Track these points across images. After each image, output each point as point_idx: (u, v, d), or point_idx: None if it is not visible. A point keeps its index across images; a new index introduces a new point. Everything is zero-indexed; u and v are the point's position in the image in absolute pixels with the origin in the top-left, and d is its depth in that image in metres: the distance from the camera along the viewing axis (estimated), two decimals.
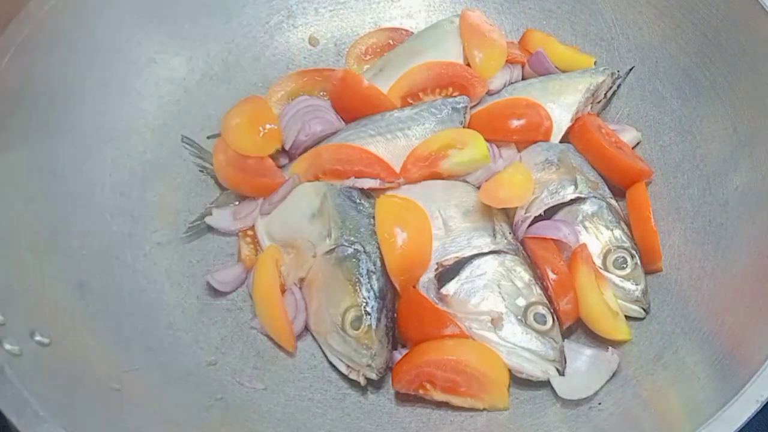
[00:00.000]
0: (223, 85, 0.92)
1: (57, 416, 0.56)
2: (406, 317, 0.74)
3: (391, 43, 0.95)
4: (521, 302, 0.73)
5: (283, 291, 0.78)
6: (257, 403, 0.73)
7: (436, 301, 0.74)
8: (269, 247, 0.80)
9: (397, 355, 0.73)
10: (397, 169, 0.82)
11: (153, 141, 0.86)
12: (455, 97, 0.86)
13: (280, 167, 0.86)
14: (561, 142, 0.86)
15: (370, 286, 0.73)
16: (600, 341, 0.75)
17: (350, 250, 0.75)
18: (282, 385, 0.75)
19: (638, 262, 0.77)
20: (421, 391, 0.71)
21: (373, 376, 0.71)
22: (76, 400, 0.61)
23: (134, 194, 0.83)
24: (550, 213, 0.80)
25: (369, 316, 0.72)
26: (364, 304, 0.72)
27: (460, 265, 0.75)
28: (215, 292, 0.80)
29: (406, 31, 0.97)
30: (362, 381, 0.72)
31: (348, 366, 0.73)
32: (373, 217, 0.78)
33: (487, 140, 0.81)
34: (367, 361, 0.71)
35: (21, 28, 0.74)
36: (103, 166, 0.81)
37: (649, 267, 0.78)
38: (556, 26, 0.95)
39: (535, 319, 0.72)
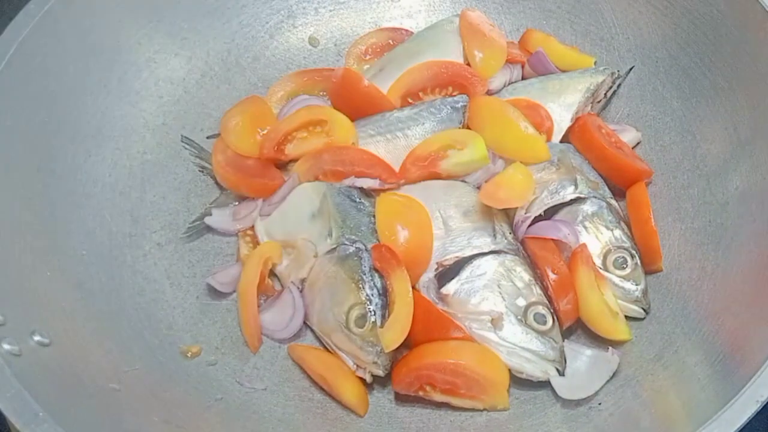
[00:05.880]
0: (223, 85, 0.92)
1: (57, 416, 0.56)
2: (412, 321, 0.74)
3: (391, 43, 0.95)
4: (521, 302, 0.73)
5: (270, 290, 0.79)
6: (257, 403, 0.73)
7: (436, 301, 0.74)
8: (264, 243, 0.81)
9: (398, 355, 0.73)
10: (397, 169, 0.82)
11: (153, 141, 0.86)
12: (454, 96, 0.86)
13: (280, 168, 0.86)
14: (561, 142, 0.86)
15: (374, 283, 0.73)
16: (600, 341, 0.75)
17: (352, 249, 0.75)
18: (282, 385, 0.75)
19: (638, 262, 0.77)
20: (421, 393, 0.72)
21: (380, 372, 0.72)
22: (76, 400, 0.61)
23: (134, 194, 0.83)
24: (550, 213, 0.80)
25: (373, 314, 0.72)
26: (368, 301, 0.72)
27: (460, 265, 0.75)
28: (215, 293, 0.80)
29: (406, 31, 0.97)
30: (368, 378, 0.72)
31: (355, 363, 0.73)
32: (374, 216, 0.78)
33: None
34: (373, 358, 0.71)
35: (21, 28, 0.74)
36: (103, 166, 0.81)
37: (649, 267, 0.78)
38: (556, 26, 0.95)
39: (535, 319, 0.72)
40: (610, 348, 0.73)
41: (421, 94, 0.88)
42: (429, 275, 0.76)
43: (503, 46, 0.89)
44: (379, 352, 0.71)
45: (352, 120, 0.85)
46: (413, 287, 0.73)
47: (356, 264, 0.74)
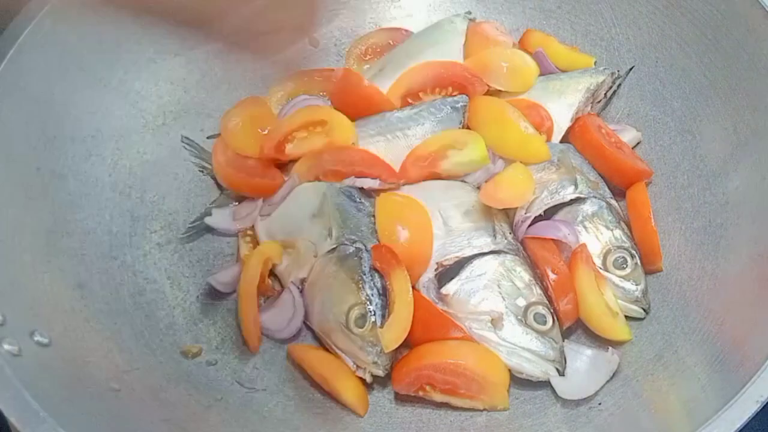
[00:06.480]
0: (223, 85, 0.92)
1: (57, 416, 0.56)
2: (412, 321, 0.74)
3: (391, 43, 0.95)
4: (521, 302, 0.73)
5: (270, 291, 0.79)
6: (257, 404, 0.73)
7: (436, 301, 0.74)
8: (264, 243, 0.81)
9: (398, 355, 0.73)
10: (397, 169, 0.82)
11: (153, 141, 0.86)
12: (454, 96, 0.86)
13: (280, 168, 0.86)
14: (561, 142, 0.86)
15: (373, 283, 0.73)
16: (600, 341, 0.75)
17: (352, 249, 0.75)
18: (282, 385, 0.75)
19: (638, 262, 0.77)
20: (420, 393, 0.72)
21: (380, 372, 0.72)
22: (76, 400, 0.61)
23: (134, 194, 0.83)
24: (550, 213, 0.80)
25: (373, 314, 0.72)
26: (368, 301, 0.72)
27: (460, 265, 0.75)
28: (215, 293, 0.80)
29: (406, 31, 0.97)
30: (368, 378, 0.72)
31: (354, 363, 0.73)
32: (374, 216, 0.78)
33: None
34: (373, 358, 0.71)
35: (21, 28, 0.74)
36: (103, 166, 0.81)
37: (649, 267, 0.78)
38: (556, 26, 0.95)
39: (535, 319, 0.72)
40: (610, 348, 0.73)
41: (421, 94, 0.88)
42: (429, 275, 0.76)
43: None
44: (379, 352, 0.71)
45: (352, 120, 0.85)
46: (413, 287, 0.73)
47: (356, 264, 0.74)
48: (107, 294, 0.74)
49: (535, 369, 0.71)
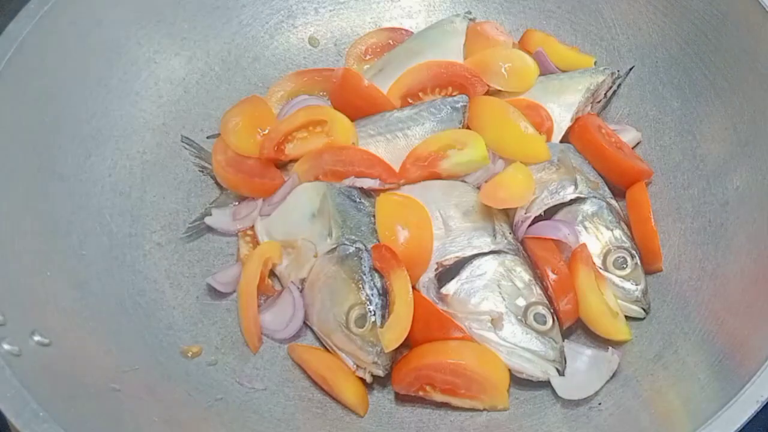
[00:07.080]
0: (223, 85, 0.92)
1: (57, 416, 0.56)
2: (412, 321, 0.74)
3: (391, 43, 0.95)
4: (521, 302, 0.73)
5: (270, 291, 0.79)
6: (257, 403, 0.73)
7: (436, 301, 0.74)
8: (264, 243, 0.81)
9: (398, 355, 0.73)
10: (397, 169, 0.82)
11: (153, 141, 0.86)
12: (454, 96, 0.86)
13: (280, 168, 0.86)
14: (561, 142, 0.86)
15: (373, 283, 0.73)
16: (600, 341, 0.75)
17: (352, 249, 0.75)
18: (282, 385, 0.75)
19: (638, 262, 0.77)
20: (421, 393, 0.72)
21: (380, 372, 0.72)
22: (76, 400, 0.61)
23: (134, 194, 0.83)
24: (550, 213, 0.80)
25: (373, 314, 0.72)
26: (368, 301, 0.72)
27: (460, 265, 0.75)
28: (215, 293, 0.80)
29: (406, 31, 0.97)
30: (368, 378, 0.72)
31: (355, 363, 0.73)
32: (374, 216, 0.78)
33: None
34: (373, 358, 0.71)
35: (21, 28, 0.74)
36: (103, 166, 0.81)
37: (649, 267, 0.78)
38: (556, 26, 0.95)
39: (535, 319, 0.72)
40: (610, 348, 0.73)
41: (421, 94, 0.88)
42: (429, 275, 0.76)
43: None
44: (379, 352, 0.71)
45: (352, 120, 0.85)
46: (413, 287, 0.73)
47: (356, 264, 0.74)
48: (107, 294, 0.74)
49: (535, 369, 0.71)
